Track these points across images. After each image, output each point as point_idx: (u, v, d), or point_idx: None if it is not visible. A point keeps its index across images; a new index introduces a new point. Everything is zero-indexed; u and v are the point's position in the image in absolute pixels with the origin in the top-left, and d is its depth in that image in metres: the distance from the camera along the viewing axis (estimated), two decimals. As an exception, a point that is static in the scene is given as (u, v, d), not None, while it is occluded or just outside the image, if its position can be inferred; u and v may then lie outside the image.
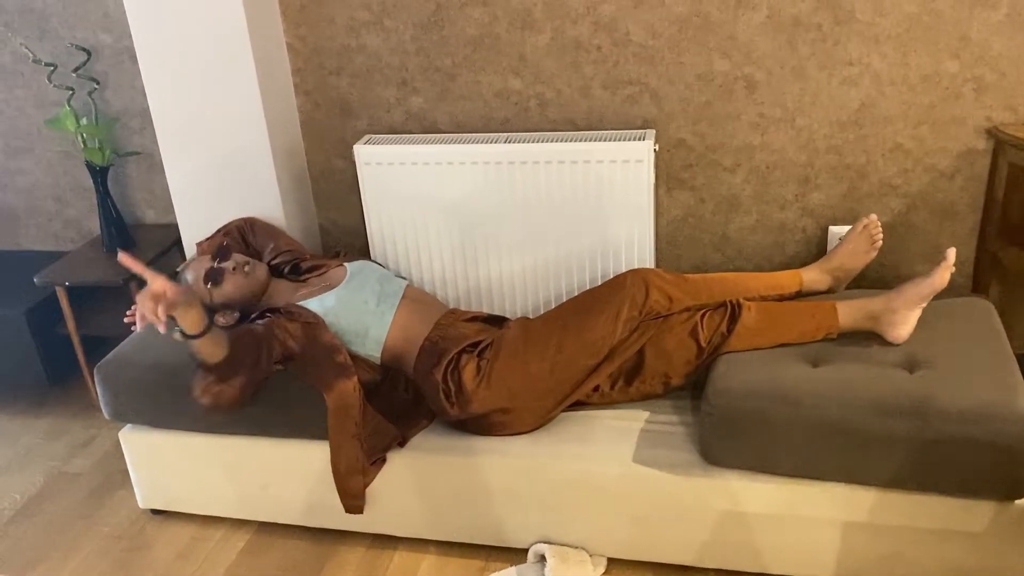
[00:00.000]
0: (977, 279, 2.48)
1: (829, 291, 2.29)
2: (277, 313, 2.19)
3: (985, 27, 2.25)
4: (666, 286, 2.13)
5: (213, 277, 2.24)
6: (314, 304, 2.21)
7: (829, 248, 2.56)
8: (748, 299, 2.14)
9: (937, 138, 2.38)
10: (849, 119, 2.41)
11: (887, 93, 2.36)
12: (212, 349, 1.96)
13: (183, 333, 1.88)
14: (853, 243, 2.29)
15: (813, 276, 2.28)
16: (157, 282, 1.76)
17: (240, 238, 2.56)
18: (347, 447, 2.08)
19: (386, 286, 2.32)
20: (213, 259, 2.27)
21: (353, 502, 2.13)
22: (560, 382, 2.07)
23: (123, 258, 1.78)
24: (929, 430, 1.79)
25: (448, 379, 2.08)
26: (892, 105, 2.37)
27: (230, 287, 2.26)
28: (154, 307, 1.74)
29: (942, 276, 1.96)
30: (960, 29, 2.26)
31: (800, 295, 2.27)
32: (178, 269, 2.37)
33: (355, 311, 2.21)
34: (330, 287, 2.29)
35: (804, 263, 2.58)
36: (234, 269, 2.27)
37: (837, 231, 2.52)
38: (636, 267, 2.34)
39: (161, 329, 1.78)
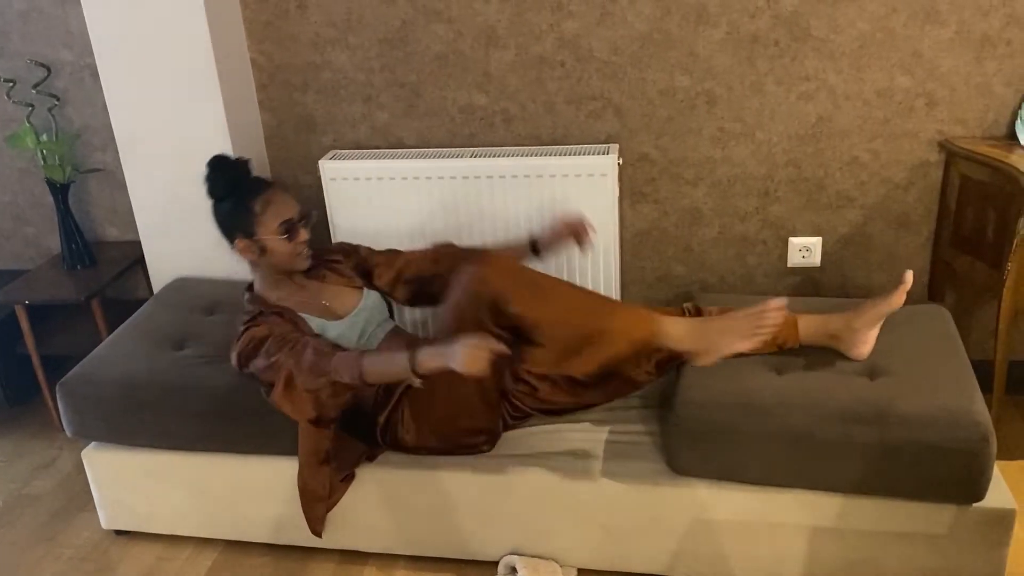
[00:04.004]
0: (933, 287, 2.55)
1: (688, 355, 1.97)
2: (287, 314, 2.10)
3: (935, 44, 2.32)
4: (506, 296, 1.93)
5: (304, 222, 2.09)
6: (314, 324, 2.15)
7: (788, 260, 2.61)
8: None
9: (892, 151, 2.45)
10: (807, 133, 2.46)
11: (843, 108, 2.42)
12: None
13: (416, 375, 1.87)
14: (734, 321, 1.93)
15: (672, 331, 1.96)
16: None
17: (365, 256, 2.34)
18: (316, 472, 2.07)
19: (378, 328, 2.24)
20: (300, 219, 2.09)
21: (314, 526, 2.13)
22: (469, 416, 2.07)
23: None
24: (890, 436, 1.83)
25: (386, 427, 2.11)
26: (848, 119, 2.43)
27: (280, 249, 2.06)
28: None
29: (899, 297, 1.99)
30: (912, 46, 2.33)
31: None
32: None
33: (346, 344, 2.15)
34: (336, 315, 2.17)
35: (766, 274, 2.64)
36: (302, 241, 2.10)
37: (797, 242, 2.57)
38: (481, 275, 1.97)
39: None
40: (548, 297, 1.94)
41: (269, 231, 2.05)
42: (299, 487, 2.09)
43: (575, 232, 2.20)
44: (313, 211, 2.15)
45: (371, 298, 2.25)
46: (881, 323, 2.03)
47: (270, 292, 2.15)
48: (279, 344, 1.99)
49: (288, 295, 2.15)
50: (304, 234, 2.10)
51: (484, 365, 1.77)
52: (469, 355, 1.76)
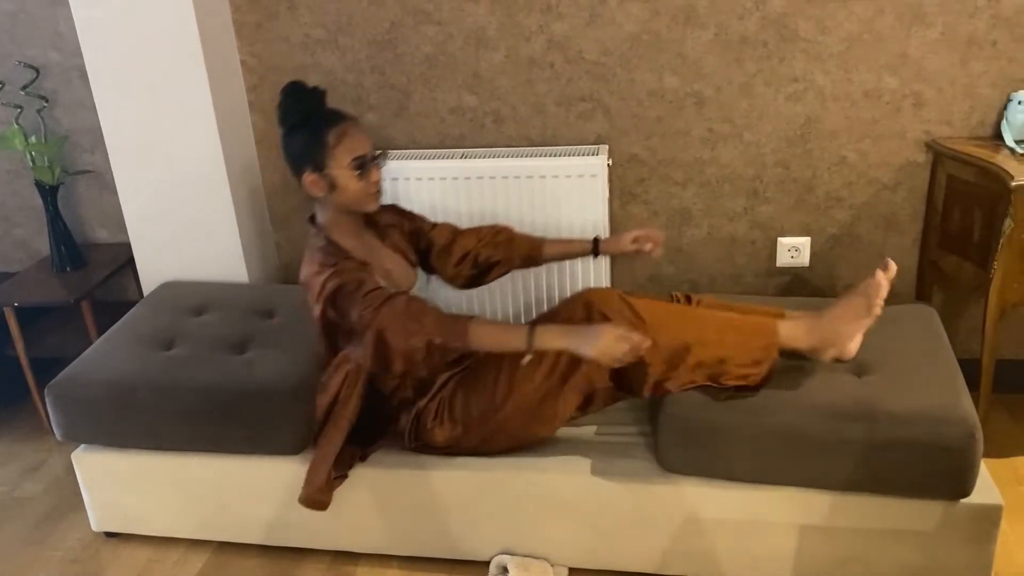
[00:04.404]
0: (920, 287, 2.57)
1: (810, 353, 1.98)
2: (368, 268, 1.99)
3: (922, 45, 2.34)
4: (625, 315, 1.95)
5: (377, 161, 2.00)
6: None
7: (777, 260, 2.62)
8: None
9: (879, 152, 2.47)
10: (795, 134, 2.48)
11: (831, 108, 2.44)
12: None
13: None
14: (847, 303, 1.94)
15: (792, 332, 1.96)
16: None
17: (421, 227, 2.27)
18: (339, 435, 2.02)
19: None
20: (373, 157, 2.00)
21: (319, 496, 2.05)
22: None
23: None
24: (879, 434, 1.84)
25: (415, 424, 2.08)
26: (836, 120, 2.45)
27: (351, 187, 1.96)
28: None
29: (876, 283, 1.99)
30: (899, 47, 2.35)
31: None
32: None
33: None
34: (396, 286, 2.07)
35: (755, 274, 2.65)
36: (375, 181, 2.00)
37: (786, 242, 2.59)
38: (594, 291, 2.03)
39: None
40: (662, 321, 1.92)
41: (341, 165, 1.94)
42: (320, 452, 2.03)
43: (648, 239, 2.18)
44: (388, 152, 2.06)
45: (421, 279, 2.22)
46: (867, 321, 2.02)
47: (343, 239, 2.01)
48: (368, 296, 1.88)
49: (357, 247, 2.03)
50: (376, 173, 1.99)
51: (620, 357, 1.74)
52: (610, 344, 1.73)
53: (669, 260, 2.68)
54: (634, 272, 2.71)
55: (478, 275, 2.27)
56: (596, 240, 2.23)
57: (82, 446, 2.29)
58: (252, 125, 2.71)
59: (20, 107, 2.73)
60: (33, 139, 2.74)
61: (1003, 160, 2.20)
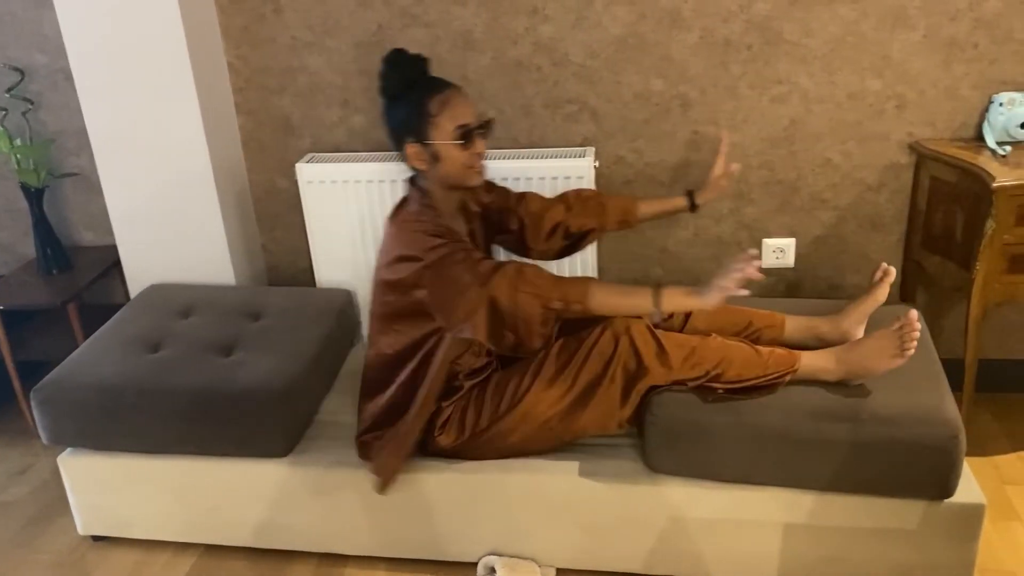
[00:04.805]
0: (904, 287, 2.58)
1: (839, 383, 1.97)
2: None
3: (905, 47, 2.36)
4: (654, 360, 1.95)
5: (483, 131, 1.93)
6: None
7: (763, 261, 2.63)
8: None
9: (863, 153, 2.49)
10: (780, 136, 2.49)
11: (815, 111, 2.45)
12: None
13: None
14: (879, 342, 1.92)
15: (819, 364, 1.96)
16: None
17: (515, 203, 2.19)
18: (423, 415, 2.00)
19: None
20: (479, 126, 1.92)
21: (387, 474, 2.04)
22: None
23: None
24: (863, 434, 1.86)
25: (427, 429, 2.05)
26: (820, 122, 2.47)
27: (454, 157, 1.90)
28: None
29: (882, 292, 2.05)
30: (882, 49, 2.37)
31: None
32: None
33: None
34: None
35: (741, 275, 2.65)
36: (478, 153, 1.93)
37: (772, 243, 2.60)
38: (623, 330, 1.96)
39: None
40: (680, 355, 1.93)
41: (444, 135, 1.87)
42: (402, 432, 2.00)
43: (724, 162, 2.19)
44: (493, 120, 1.99)
45: None
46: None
47: (441, 217, 1.94)
48: (479, 264, 1.84)
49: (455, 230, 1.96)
50: (481, 145, 1.92)
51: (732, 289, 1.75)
52: (727, 283, 1.75)
53: (656, 261, 2.69)
54: (622, 274, 2.72)
55: (570, 246, 2.22)
56: (690, 193, 2.22)
57: (68, 449, 2.28)
58: (239, 127, 2.70)
59: (5, 110, 2.72)
60: (18, 141, 2.72)
61: (985, 161, 2.22)
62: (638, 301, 1.83)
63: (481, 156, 1.93)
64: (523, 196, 2.19)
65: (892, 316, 1.94)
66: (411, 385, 2.00)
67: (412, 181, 2.01)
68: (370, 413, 2.07)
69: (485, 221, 2.17)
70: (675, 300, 1.82)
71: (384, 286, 1.98)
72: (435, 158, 1.90)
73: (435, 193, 1.96)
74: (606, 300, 1.84)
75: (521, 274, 1.84)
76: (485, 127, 1.94)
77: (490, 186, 2.19)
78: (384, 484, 2.05)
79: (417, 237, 1.89)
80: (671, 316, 2.11)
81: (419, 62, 1.94)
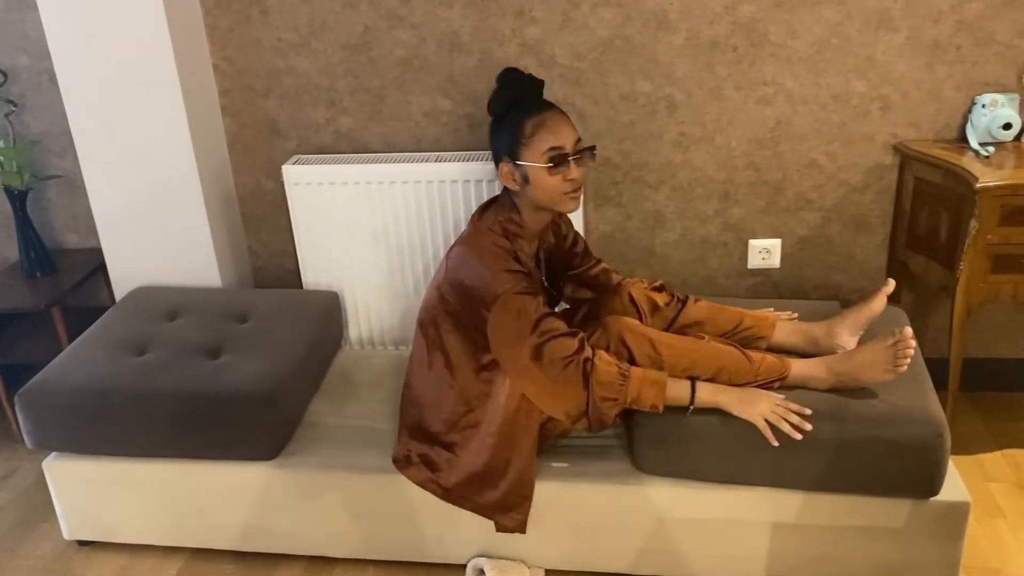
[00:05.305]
0: (889, 288, 2.60)
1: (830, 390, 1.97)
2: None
3: (889, 49, 2.38)
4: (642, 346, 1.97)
5: (580, 157, 1.89)
6: None
7: (749, 261, 2.65)
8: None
9: (848, 154, 2.50)
10: (765, 137, 2.51)
11: (800, 112, 2.47)
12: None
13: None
14: (873, 355, 1.91)
15: (810, 373, 1.97)
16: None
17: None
18: (532, 463, 2.01)
19: None
20: (575, 152, 1.88)
21: (520, 524, 2.04)
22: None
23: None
24: (849, 433, 1.87)
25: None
26: (805, 123, 2.48)
27: (544, 182, 1.87)
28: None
29: (879, 302, 2.05)
30: (866, 51, 2.38)
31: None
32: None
33: None
34: None
35: (726, 275, 2.67)
36: (571, 179, 1.88)
37: (757, 244, 2.61)
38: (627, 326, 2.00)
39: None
40: (670, 352, 1.95)
41: (534, 157, 1.84)
42: (514, 481, 1.98)
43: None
44: (593, 148, 1.92)
45: None
46: (862, 331, 2.04)
47: (520, 242, 1.94)
48: (536, 330, 1.83)
49: (526, 255, 1.95)
50: (576, 171, 1.86)
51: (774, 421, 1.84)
52: (765, 412, 1.85)
53: (642, 262, 2.70)
54: (608, 274, 2.72)
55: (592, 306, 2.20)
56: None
57: (53, 454, 2.27)
58: (224, 129, 2.69)
59: (-12, 111, 2.70)
60: (2, 144, 2.70)
61: (968, 162, 2.24)
62: (678, 393, 1.90)
63: (575, 183, 1.88)
64: (596, 263, 2.23)
65: (885, 325, 1.95)
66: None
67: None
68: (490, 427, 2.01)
69: (549, 256, 2.15)
70: (709, 399, 1.89)
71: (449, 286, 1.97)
72: (525, 180, 1.89)
73: (524, 211, 1.95)
74: (667, 393, 1.89)
75: (564, 374, 1.83)
76: (581, 154, 1.89)
77: (575, 239, 2.20)
78: (520, 526, 2.05)
79: (484, 263, 1.88)
80: (666, 306, 2.15)
81: (532, 83, 1.94)
